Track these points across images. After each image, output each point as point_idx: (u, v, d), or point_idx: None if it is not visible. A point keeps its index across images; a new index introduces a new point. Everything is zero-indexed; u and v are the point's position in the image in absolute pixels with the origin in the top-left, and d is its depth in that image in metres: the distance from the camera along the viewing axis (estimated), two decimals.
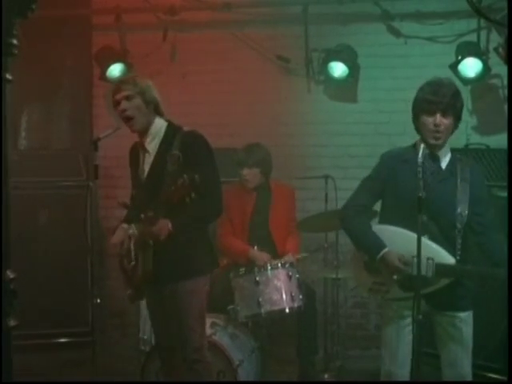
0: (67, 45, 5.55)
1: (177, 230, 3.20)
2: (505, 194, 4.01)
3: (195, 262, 3.33)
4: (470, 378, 3.19)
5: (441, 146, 3.13)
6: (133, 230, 3.31)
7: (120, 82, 3.42)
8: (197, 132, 3.37)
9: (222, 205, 3.40)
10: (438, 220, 3.07)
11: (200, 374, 3.38)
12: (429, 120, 3.06)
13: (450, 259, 3.05)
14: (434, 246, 3.04)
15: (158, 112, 3.38)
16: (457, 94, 3.11)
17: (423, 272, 2.91)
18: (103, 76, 5.38)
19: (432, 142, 3.07)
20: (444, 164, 3.16)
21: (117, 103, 3.32)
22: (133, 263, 3.30)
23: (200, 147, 3.31)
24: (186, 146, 3.24)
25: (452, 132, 3.14)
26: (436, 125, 3.04)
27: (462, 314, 3.14)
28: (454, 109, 3.07)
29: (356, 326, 5.41)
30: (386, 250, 3.12)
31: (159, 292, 3.36)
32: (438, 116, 3.04)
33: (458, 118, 3.12)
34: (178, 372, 3.46)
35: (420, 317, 2.79)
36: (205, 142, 3.35)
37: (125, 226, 3.39)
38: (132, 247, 3.31)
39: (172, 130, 3.36)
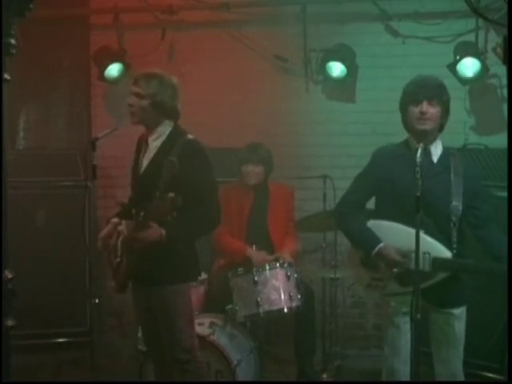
0: (65, 44, 5.56)
1: (170, 240, 3.19)
2: (503, 193, 4.01)
3: (179, 269, 3.32)
4: (460, 375, 3.21)
5: (431, 139, 3.14)
6: (122, 227, 3.32)
7: (140, 75, 3.34)
8: (198, 143, 3.35)
9: (219, 217, 3.39)
10: (433, 214, 3.08)
11: (192, 373, 3.38)
12: (415, 109, 3.11)
13: (446, 253, 3.06)
14: (430, 240, 3.05)
15: (168, 115, 3.33)
16: (442, 86, 3.17)
17: (420, 266, 2.92)
18: (101, 76, 5.37)
19: (419, 127, 3.10)
20: (435, 158, 3.18)
21: (131, 93, 3.32)
22: (118, 260, 3.32)
23: (198, 160, 3.30)
24: (184, 156, 3.23)
25: (442, 125, 3.17)
26: (422, 112, 3.09)
27: (456, 311, 3.16)
28: (440, 98, 3.11)
29: (354, 325, 5.41)
30: (381, 244, 3.13)
31: (146, 293, 3.38)
32: (425, 103, 3.09)
33: (445, 111, 3.15)
34: (170, 372, 3.46)
35: (418, 316, 2.79)
36: (204, 154, 3.34)
37: (115, 220, 3.40)
38: (119, 244, 3.32)
39: (176, 134, 3.35)
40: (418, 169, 2.82)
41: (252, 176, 4.59)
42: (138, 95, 3.28)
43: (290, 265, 4.21)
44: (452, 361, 3.18)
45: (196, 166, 3.27)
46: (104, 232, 3.39)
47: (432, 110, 3.09)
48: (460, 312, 3.17)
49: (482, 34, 4.97)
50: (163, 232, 3.17)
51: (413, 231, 2.87)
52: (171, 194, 3.00)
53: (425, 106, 3.08)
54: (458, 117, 4.99)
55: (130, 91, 3.32)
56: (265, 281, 4.08)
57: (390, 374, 3.24)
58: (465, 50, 4.85)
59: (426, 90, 3.09)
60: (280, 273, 4.14)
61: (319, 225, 4.59)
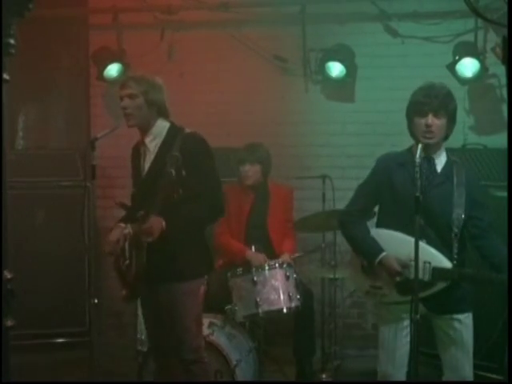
0: (64, 44, 5.56)
1: (171, 229, 3.19)
2: (502, 193, 4.02)
3: (190, 264, 3.33)
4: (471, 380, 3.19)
5: (435, 149, 3.13)
6: (128, 229, 3.32)
7: (127, 78, 3.45)
8: (198, 134, 3.38)
9: (223, 207, 3.40)
10: (435, 224, 3.07)
11: (197, 374, 3.37)
12: (421, 121, 3.07)
13: (446, 263, 3.05)
14: (431, 249, 3.04)
15: (161, 113, 3.37)
16: (448, 95, 3.12)
17: (420, 276, 2.92)
18: (100, 76, 5.38)
19: (424, 141, 3.07)
20: (439, 167, 3.16)
21: (121, 99, 3.35)
22: (127, 262, 3.31)
23: (200, 150, 3.32)
24: (186, 149, 3.25)
25: (447, 135, 3.15)
26: (428, 125, 3.05)
27: (461, 316, 3.14)
28: (446, 109, 3.07)
29: (353, 325, 5.42)
30: (383, 254, 3.13)
31: (154, 292, 3.36)
32: (430, 116, 3.05)
33: (451, 120, 3.12)
34: (174, 373, 3.46)
35: (418, 316, 2.79)
36: (205, 144, 3.36)
37: (121, 224, 3.40)
38: (126, 246, 3.31)
39: (174, 131, 3.37)
40: (417, 169, 2.82)
41: (248, 176, 4.58)
42: (130, 96, 3.30)
43: (289, 265, 4.21)
44: (462, 367, 3.15)
45: (198, 157, 3.29)
46: (112, 236, 3.36)
47: (438, 123, 3.06)
48: (465, 317, 3.15)
49: (481, 33, 4.97)
50: (162, 221, 3.17)
51: (413, 240, 2.87)
52: (173, 171, 3.00)
53: (430, 119, 3.04)
54: (457, 117, 4.96)
55: (121, 96, 3.34)
56: (264, 281, 4.08)
57: (383, 378, 3.24)
58: (464, 50, 4.85)
59: (433, 102, 3.04)
60: (279, 273, 4.13)
61: (318, 225, 4.59)
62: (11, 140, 5.48)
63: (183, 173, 3.04)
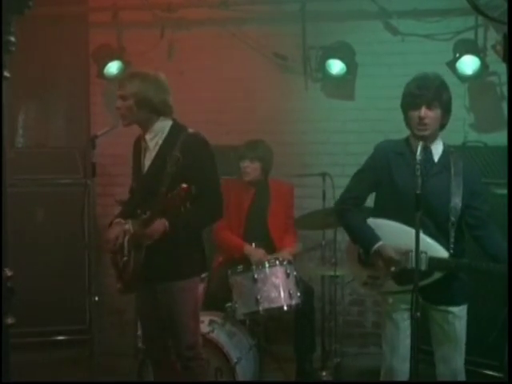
0: (64, 42, 5.56)
1: (171, 230, 3.20)
2: (502, 191, 4.02)
3: (187, 263, 3.34)
4: (462, 373, 3.21)
5: (431, 139, 3.13)
6: (129, 225, 3.32)
7: (124, 77, 3.47)
8: (200, 135, 3.36)
9: (221, 210, 3.40)
10: (432, 213, 3.07)
11: (195, 371, 3.39)
12: (415, 114, 3.08)
13: (443, 253, 3.06)
14: (428, 239, 3.04)
15: (160, 112, 3.33)
16: (442, 86, 3.12)
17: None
18: (100, 74, 5.37)
19: (418, 133, 3.08)
20: (436, 157, 3.17)
21: (117, 98, 3.35)
22: (125, 259, 3.31)
23: (201, 152, 3.31)
24: (188, 149, 3.24)
25: (443, 125, 3.15)
26: (421, 117, 3.06)
27: (456, 309, 3.15)
28: (439, 101, 3.08)
29: (353, 323, 5.42)
30: (380, 242, 3.13)
31: (151, 290, 3.37)
32: (423, 109, 3.06)
33: (446, 110, 3.12)
34: (171, 370, 3.46)
35: (418, 314, 2.79)
36: (207, 146, 3.35)
37: (121, 220, 3.40)
38: (125, 243, 3.31)
39: (176, 129, 3.35)
40: (418, 166, 2.82)
41: (248, 172, 4.59)
42: (122, 97, 3.30)
43: (289, 262, 4.21)
44: (453, 359, 3.17)
45: (199, 159, 3.28)
46: (112, 234, 3.36)
47: (431, 114, 3.06)
48: (460, 310, 3.17)
49: (481, 31, 4.97)
50: (166, 223, 3.18)
51: (411, 230, 2.88)
52: (184, 185, 3.00)
53: (423, 111, 3.05)
54: (458, 114, 4.94)
55: (116, 95, 3.34)
56: (264, 278, 4.08)
57: (388, 372, 3.23)
58: (464, 48, 4.85)
59: (425, 94, 3.05)
60: (279, 270, 4.14)
61: (318, 223, 4.59)
62: (11, 138, 5.48)
63: (193, 188, 3.02)
